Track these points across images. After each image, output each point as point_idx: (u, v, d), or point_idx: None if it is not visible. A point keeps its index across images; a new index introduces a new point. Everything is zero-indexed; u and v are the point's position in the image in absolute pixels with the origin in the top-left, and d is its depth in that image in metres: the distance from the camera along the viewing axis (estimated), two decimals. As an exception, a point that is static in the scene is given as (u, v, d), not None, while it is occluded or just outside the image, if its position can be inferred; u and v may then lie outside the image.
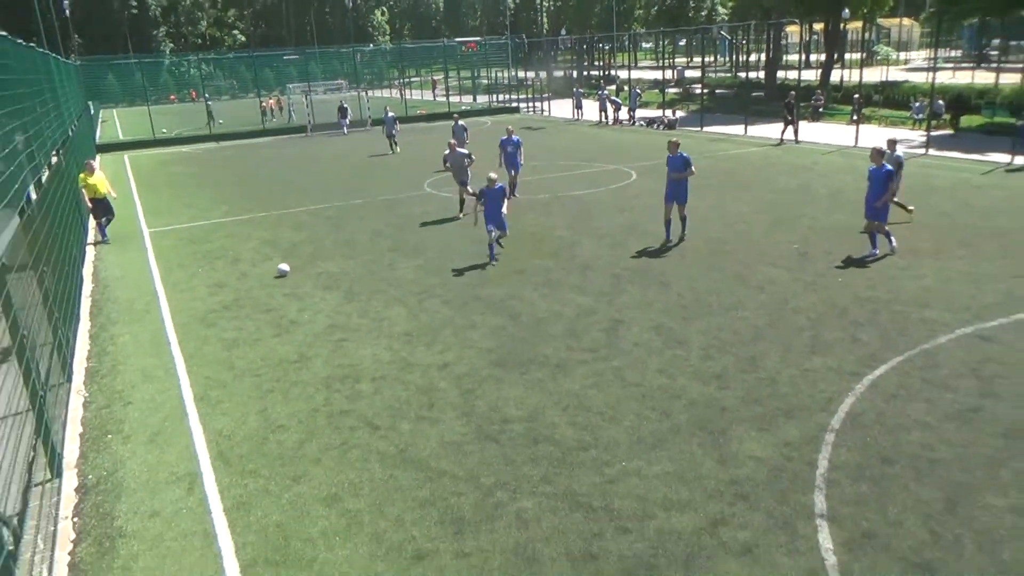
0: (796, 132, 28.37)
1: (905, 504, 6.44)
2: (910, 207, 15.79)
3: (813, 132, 30.78)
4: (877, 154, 13.30)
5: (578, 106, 42.43)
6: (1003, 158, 22.87)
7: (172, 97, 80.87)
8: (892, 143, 15.28)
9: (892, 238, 13.62)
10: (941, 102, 31.35)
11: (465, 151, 18.34)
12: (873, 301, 11.27)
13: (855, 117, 30.59)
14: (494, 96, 55.48)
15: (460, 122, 25.88)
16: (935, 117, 28.88)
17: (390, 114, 32.52)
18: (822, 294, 11.71)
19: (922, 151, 25.08)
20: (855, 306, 11.12)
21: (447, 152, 18.21)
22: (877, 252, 13.46)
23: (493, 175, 14.27)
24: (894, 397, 8.32)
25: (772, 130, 32.09)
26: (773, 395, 8.49)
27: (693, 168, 14.80)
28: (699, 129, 34.21)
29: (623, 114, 39.09)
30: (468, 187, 18.07)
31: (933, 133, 26.93)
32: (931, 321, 10.40)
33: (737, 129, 32.79)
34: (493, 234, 14.06)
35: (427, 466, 7.38)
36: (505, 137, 20.25)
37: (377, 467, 7.41)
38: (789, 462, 7.15)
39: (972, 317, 10.46)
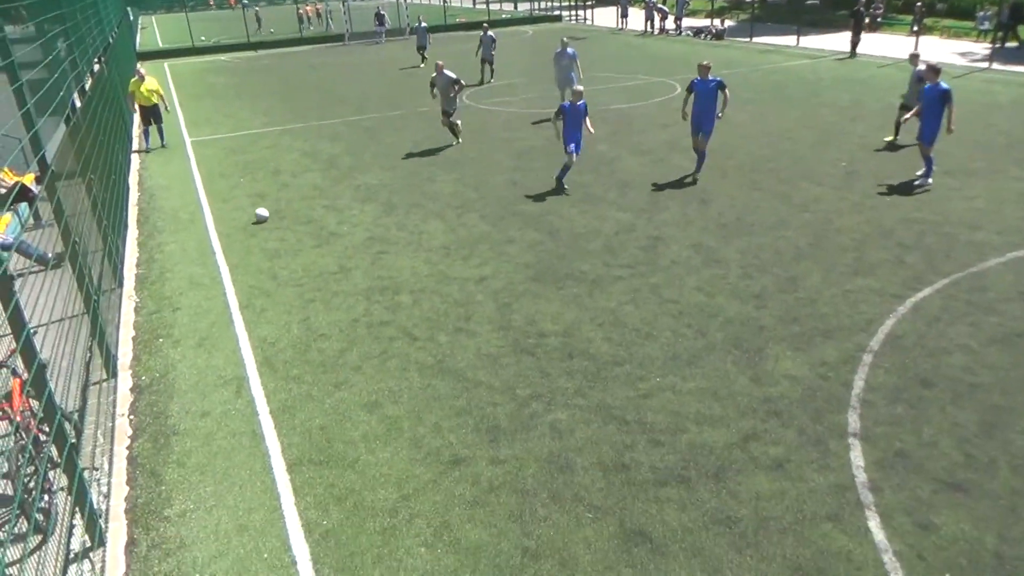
0: (855, 43, 26.93)
1: (941, 426, 6.44)
2: (895, 138, 15.09)
3: (870, 44, 29.26)
4: (931, 72, 12.42)
5: (623, 15, 40.79)
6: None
7: (211, 2, 79.76)
8: (915, 58, 14.52)
9: (931, 170, 12.74)
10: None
11: (453, 75, 15.80)
12: (921, 222, 10.96)
13: (915, 28, 28.94)
14: (536, 4, 53.57)
15: (490, 32, 24.95)
16: (1002, 28, 27.15)
17: (423, 24, 31.49)
18: (868, 215, 11.41)
19: (985, 64, 23.76)
20: (902, 227, 10.83)
21: (434, 75, 16.07)
22: (929, 181, 12.66)
23: (579, 87, 13.18)
24: (937, 320, 8.20)
25: (825, 41, 30.62)
26: (812, 315, 8.43)
27: (728, 93, 13.07)
28: (748, 40, 32.75)
29: (669, 23, 37.53)
30: (454, 118, 16.43)
31: (1000, 45, 25.38)
32: (980, 243, 10.10)
33: (789, 40, 31.32)
34: (573, 156, 12.88)
35: (464, 377, 7.56)
36: (559, 49, 18.41)
37: (416, 376, 7.61)
38: (824, 382, 7.16)
39: (1025, 240, 10.14)
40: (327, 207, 13.04)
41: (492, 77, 25.44)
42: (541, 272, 9.90)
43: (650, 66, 26.83)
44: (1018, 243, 10.05)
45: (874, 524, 5.40)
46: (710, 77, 13.07)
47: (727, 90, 13.04)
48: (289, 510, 5.84)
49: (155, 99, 17.75)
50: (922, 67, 13.51)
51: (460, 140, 16.91)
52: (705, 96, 13.07)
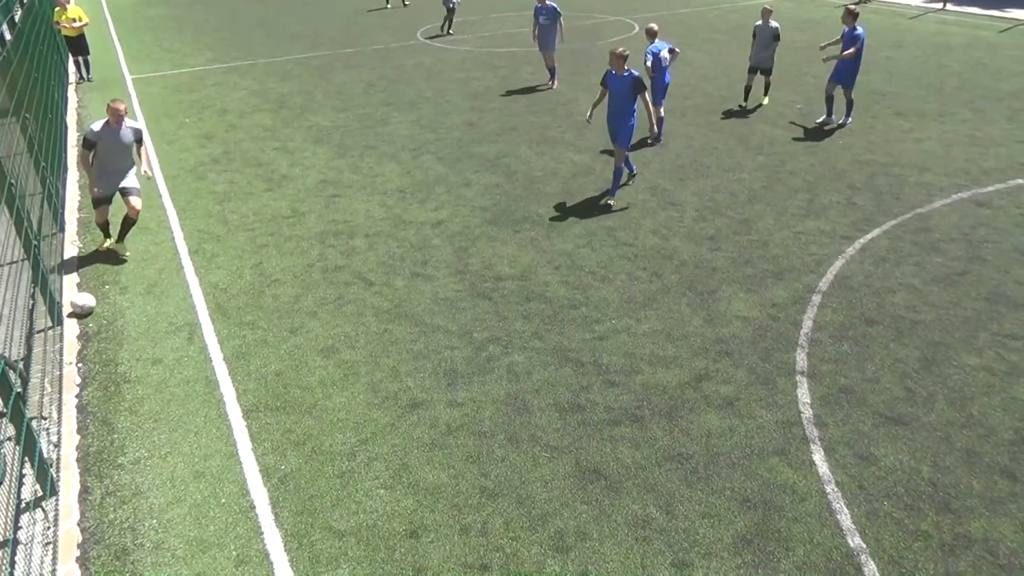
0: None
1: (883, 362, 6.68)
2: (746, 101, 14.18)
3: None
4: (849, 15, 12.17)
5: None
6: (1021, 14, 21.86)
7: None
8: (767, 13, 13.43)
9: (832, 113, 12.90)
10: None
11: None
12: (872, 164, 11.14)
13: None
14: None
15: None
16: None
17: None
18: (821, 156, 11.54)
19: (939, 5, 23.91)
20: (853, 169, 11.00)
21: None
22: (835, 120, 12.91)
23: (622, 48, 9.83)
24: (883, 260, 8.41)
25: (784, -20, 30.35)
26: (764, 257, 8.57)
27: (674, 50, 12.08)
28: (708, -22, 32.31)
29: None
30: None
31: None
32: (928, 185, 10.33)
33: (748, -22, 30.97)
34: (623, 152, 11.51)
35: (421, 321, 7.54)
36: (539, 4, 15.50)
37: (372, 321, 7.57)
38: (775, 322, 7.33)
39: (970, 182, 10.40)
40: (278, 149, 12.67)
41: (451, 29, 24.22)
42: (498, 215, 9.84)
43: (606, 5, 26.36)
44: (964, 184, 10.31)
45: (818, 457, 5.62)
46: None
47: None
48: (246, 456, 5.82)
49: (80, 28, 16.84)
50: (774, 24, 13.16)
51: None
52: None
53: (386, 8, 27.17)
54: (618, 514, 5.19)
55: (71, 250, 9.31)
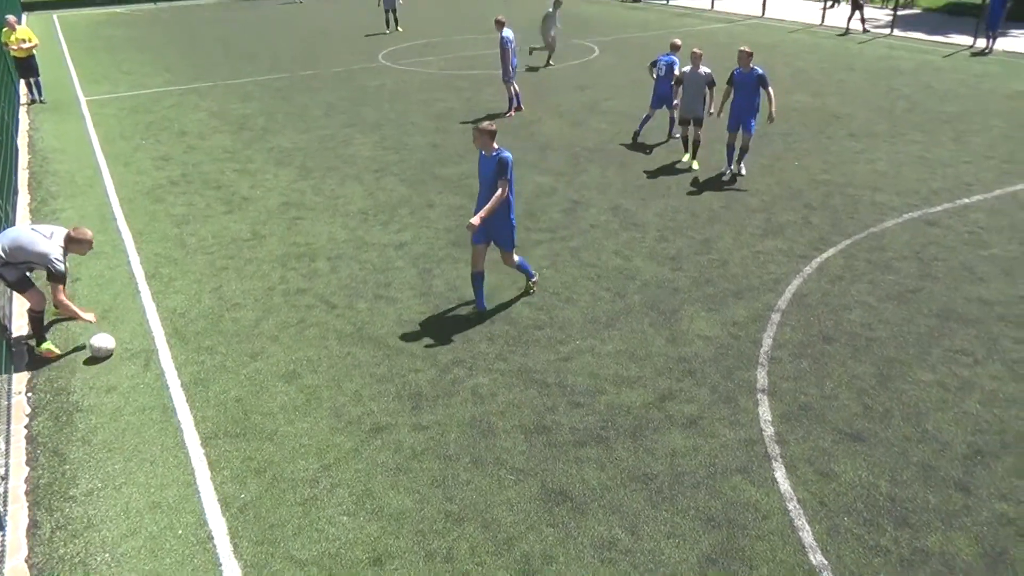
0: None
1: (841, 379, 6.80)
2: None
3: (780, 8, 29.97)
4: (745, 56, 11.12)
5: None
6: (966, 40, 22.72)
7: None
8: (675, 47, 13.23)
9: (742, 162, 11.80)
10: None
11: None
12: (827, 184, 11.42)
13: (824, -6, 29.71)
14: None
15: None
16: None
17: None
18: (778, 176, 11.80)
19: (887, 31, 24.74)
20: (809, 189, 11.26)
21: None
22: (739, 170, 11.74)
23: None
24: (839, 278, 8.60)
25: (740, 4, 31.17)
26: (724, 276, 8.70)
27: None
28: (665, 3, 33.02)
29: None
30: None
31: (900, 12, 26.47)
32: (881, 205, 10.62)
33: (704, 2, 31.74)
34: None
35: (384, 344, 7.48)
36: (505, 34, 15.05)
37: (335, 344, 7.48)
38: (735, 340, 7.43)
39: (920, 201, 10.71)
40: (239, 171, 12.53)
41: (397, 26, 24.70)
42: (461, 237, 9.83)
43: (567, 28, 26.71)
44: (914, 204, 10.62)
45: (780, 475, 5.69)
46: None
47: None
48: (204, 485, 5.68)
49: (28, 49, 16.54)
50: (705, 70, 11.81)
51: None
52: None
53: (385, 34, 25.46)
54: (584, 536, 5.17)
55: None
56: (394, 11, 25.05)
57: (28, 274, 7.21)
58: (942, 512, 5.31)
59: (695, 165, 12.24)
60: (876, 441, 6.03)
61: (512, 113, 15.67)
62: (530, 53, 19.56)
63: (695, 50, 12.05)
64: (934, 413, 6.34)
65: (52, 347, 7.40)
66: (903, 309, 7.95)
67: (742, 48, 11.28)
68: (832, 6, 30.59)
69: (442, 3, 34.54)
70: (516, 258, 8.03)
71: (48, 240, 7.05)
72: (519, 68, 16.04)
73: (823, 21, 26.54)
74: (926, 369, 6.93)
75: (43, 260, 6.99)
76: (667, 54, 13.19)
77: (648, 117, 13.47)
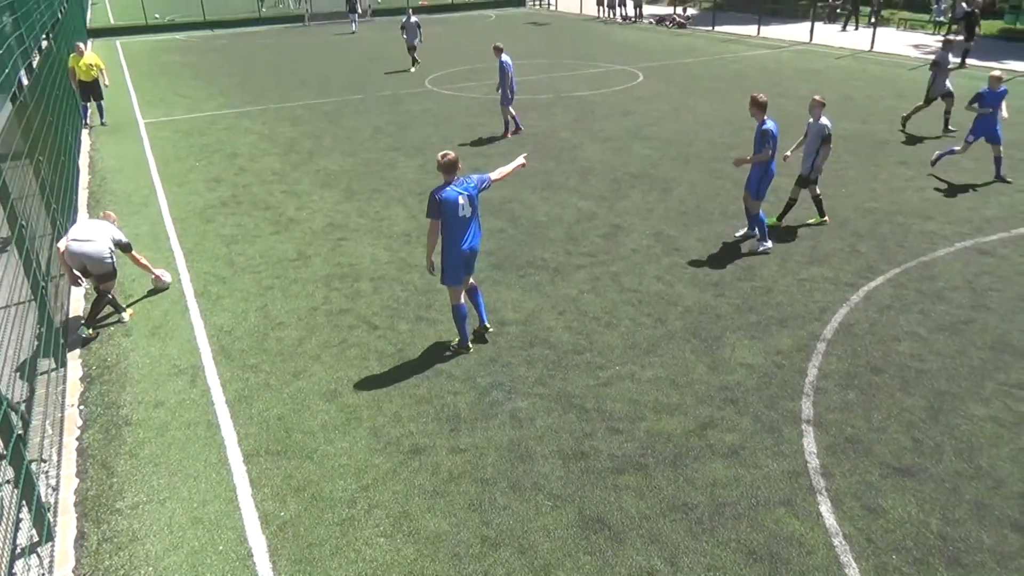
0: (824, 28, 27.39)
1: (890, 412, 6.62)
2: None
3: (827, 35, 29.70)
4: (818, 105, 10.00)
5: (609, 3, 38.14)
6: (1021, 66, 22.16)
7: None
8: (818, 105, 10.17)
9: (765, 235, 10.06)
10: (964, 4, 30.10)
11: None
12: (875, 212, 11.19)
13: (873, 20, 29.42)
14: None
15: (413, 18, 24.05)
16: (956, 21, 27.76)
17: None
18: (825, 203, 11.59)
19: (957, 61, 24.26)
20: (856, 216, 11.05)
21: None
22: (767, 245, 9.96)
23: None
24: (888, 308, 8.39)
25: (786, 31, 31.00)
26: (768, 304, 8.57)
27: (1005, 110, 12.07)
28: (710, 28, 32.97)
29: (629, 10, 37.55)
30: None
31: (951, 37, 25.97)
32: (931, 233, 10.36)
33: (750, 30, 31.61)
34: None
35: (425, 365, 7.52)
36: (504, 59, 15.47)
37: (375, 365, 7.55)
38: (779, 369, 7.29)
39: (973, 230, 10.43)
40: (286, 192, 12.82)
41: (414, 65, 24.41)
42: (502, 260, 9.89)
43: (612, 54, 26.85)
44: (966, 233, 10.34)
45: (825, 508, 5.54)
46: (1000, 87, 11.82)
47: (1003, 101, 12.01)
48: (245, 502, 5.76)
49: (94, 74, 17.28)
50: (824, 119, 10.07)
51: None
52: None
53: (410, 72, 24.35)
54: (622, 566, 5.09)
55: (78, 291, 9.36)
56: (414, 49, 24.54)
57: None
58: (997, 553, 5.10)
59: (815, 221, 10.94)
60: (926, 476, 5.83)
61: (509, 135, 15.93)
62: None
63: (816, 97, 10.25)
64: (988, 449, 6.12)
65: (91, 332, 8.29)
66: (955, 340, 7.72)
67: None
68: (844, 29, 31.18)
69: (487, 31, 35.10)
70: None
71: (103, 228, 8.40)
72: (567, 91, 16.05)
73: (872, 46, 26.19)
74: (979, 403, 6.70)
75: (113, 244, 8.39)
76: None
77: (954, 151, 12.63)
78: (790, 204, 10.78)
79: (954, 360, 7.38)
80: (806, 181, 10.47)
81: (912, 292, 8.75)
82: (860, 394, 6.88)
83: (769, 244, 9.97)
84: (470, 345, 7.79)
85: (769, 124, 9.47)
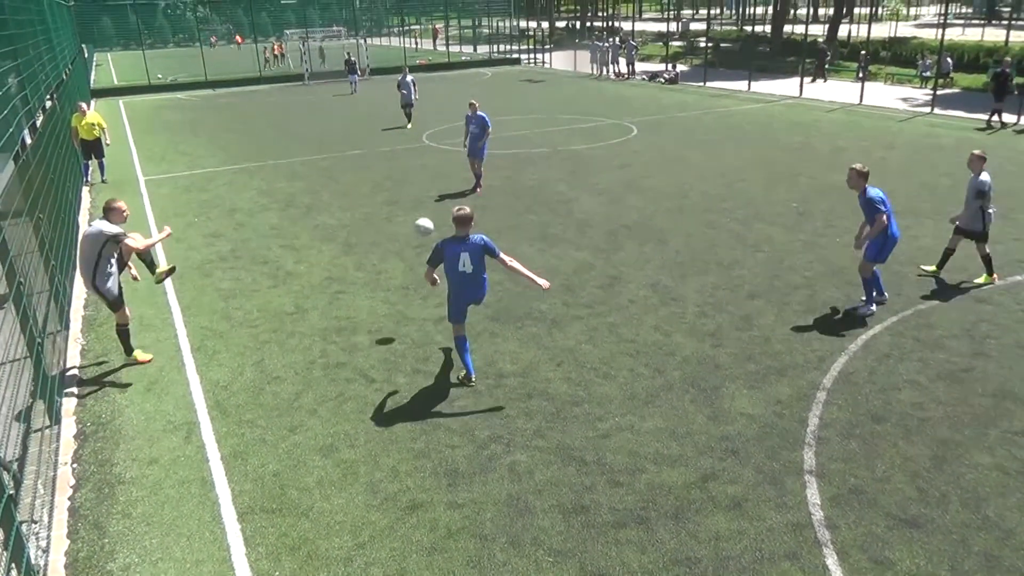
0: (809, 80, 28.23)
1: (893, 461, 6.54)
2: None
3: (817, 89, 30.38)
4: (978, 160, 9.67)
5: (602, 60, 38.72)
6: (1009, 118, 22.60)
7: (213, 39, 74.21)
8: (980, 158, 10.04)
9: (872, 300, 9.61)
10: (950, 60, 30.88)
11: None
12: (870, 261, 11.24)
13: (861, 75, 30.14)
14: (495, 46, 54.53)
15: (408, 77, 24.43)
16: (943, 76, 28.47)
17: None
18: (819, 253, 11.69)
19: (927, 109, 24.79)
20: (852, 265, 11.08)
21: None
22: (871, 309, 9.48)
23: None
24: (887, 356, 8.37)
25: (775, 86, 31.70)
26: (766, 353, 8.54)
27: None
28: (702, 84, 33.72)
29: (622, 66, 38.48)
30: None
31: (939, 92, 26.57)
32: (928, 282, 10.41)
33: (741, 85, 32.33)
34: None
35: (422, 418, 7.45)
36: (469, 113, 15.98)
37: (373, 419, 7.48)
38: (780, 419, 7.23)
39: (969, 278, 10.47)
40: (284, 246, 12.89)
41: (410, 123, 24.68)
42: (500, 311, 9.89)
43: (606, 109, 27.38)
44: (963, 281, 10.38)
45: (831, 562, 5.42)
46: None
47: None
48: (240, 561, 5.63)
49: (96, 133, 17.57)
50: (984, 175, 9.88)
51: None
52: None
53: (406, 129, 24.59)
54: (625, 624, 4.95)
55: (74, 348, 9.32)
56: (410, 106, 24.95)
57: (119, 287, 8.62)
58: (1008, 607, 4.98)
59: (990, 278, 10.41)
60: (933, 528, 5.73)
61: (479, 190, 16.12)
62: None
63: (975, 152, 10.10)
64: (995, 498, 6.03)
65: (141, 354, 8.83)
66: (956, 388, 7.68)
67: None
68: (813, 81, 32.11)
69: (483, 88, 35.83)
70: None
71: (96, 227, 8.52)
72: (563, 145, 16.32)
73: (861, 100, 26.75)
74: (984, 452, 6.63)
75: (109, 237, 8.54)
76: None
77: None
78: (948, 254, 10.57)
79: (956, 408, 7.33)
80: (982, 236, 10.18)
81: (910, 340, 8.74)
82: (862, 443, 6.81)
83: (873, 308, 9.47)
84: (473, 377, 8.01)
85: (872, 192, 9.16)
